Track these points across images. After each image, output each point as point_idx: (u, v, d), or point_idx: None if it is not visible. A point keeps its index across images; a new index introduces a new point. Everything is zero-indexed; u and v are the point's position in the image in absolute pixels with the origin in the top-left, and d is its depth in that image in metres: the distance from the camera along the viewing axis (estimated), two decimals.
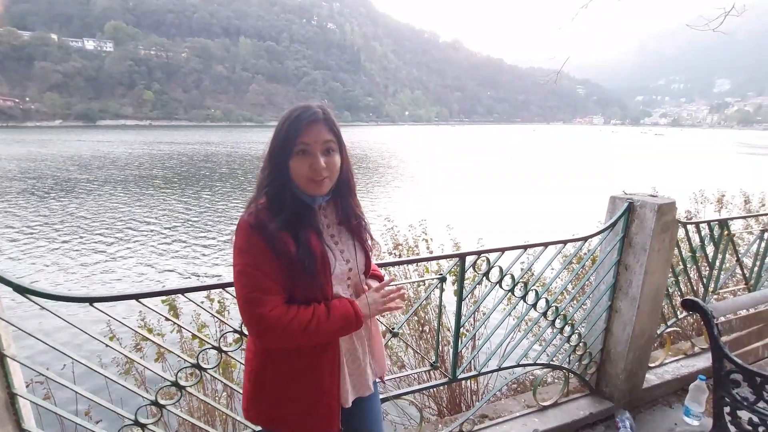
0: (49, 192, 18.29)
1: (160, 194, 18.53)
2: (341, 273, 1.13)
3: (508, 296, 1.95)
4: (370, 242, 1.24)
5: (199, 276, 9.04)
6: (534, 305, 1.98)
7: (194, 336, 1.63)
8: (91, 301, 1.27)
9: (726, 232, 2.60)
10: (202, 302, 2.34)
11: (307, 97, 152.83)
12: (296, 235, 1.05)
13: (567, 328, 2.14)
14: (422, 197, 17.64)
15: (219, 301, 2.45)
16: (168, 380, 1.43)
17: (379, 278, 1.32)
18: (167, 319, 1.46)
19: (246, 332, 1.47)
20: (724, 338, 2.01)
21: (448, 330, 2.54)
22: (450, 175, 26.23)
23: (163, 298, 2.20)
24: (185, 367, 1.44)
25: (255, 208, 1.05)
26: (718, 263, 2.67)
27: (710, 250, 2.64)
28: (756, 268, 2.91)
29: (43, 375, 1.33)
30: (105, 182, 21.36)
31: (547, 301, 2.01)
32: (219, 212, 15.21)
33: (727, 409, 1.88)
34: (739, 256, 2.79)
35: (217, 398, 2.29)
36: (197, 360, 1.43)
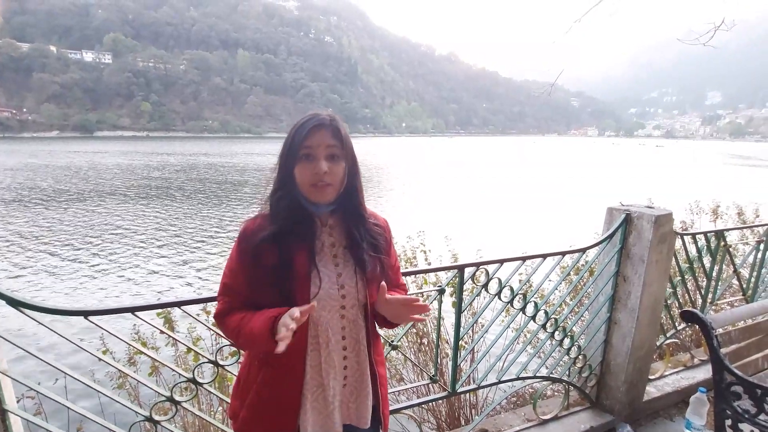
0: (30, 202, 18.12)
1: (153, 205, 18.45)
2: (330, 299, 1.06)
3: (507, 308, 1.93)
4: (373, 263, 1.10)
5: (197, 280, 8.92)
6: (533, 317, 1.97)
7: (189, 349, 1.60)
8: (85, 314, 1.25)
9: (722, 243, 2.61)
10: (198, 315, 2.33)
11: (305, 108, 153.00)
12: (283, 249, 1.03)
13: (566, 340, 2.13)
14: (419, 208, 17.65)
15: None
16: (163, 395, 1.40)
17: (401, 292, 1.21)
18: (161, 332, 1.43)
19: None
20: (723, 350, 2.01)
21: (447, 342, 2.52)
22: (448, 186, 26.32)
23: (159, 311, 2.17)
24: (180, 382, 1.42)
25: (259, 215, 1.09)
26: (715, 274, 2.68)
27: (707, 261, 2.65)
28: (753, 279, 2.91)
29: (35, 390, 1.30)
30: (94, 193, 21.24)
31: (546, 312, 2.00)
32: (210, 222, 15.07)
33: (728, 422, 1.87)
34: (736, 267, 2.80)
35: (213, 413, 2.25)
36: (193, 374, 1.41)
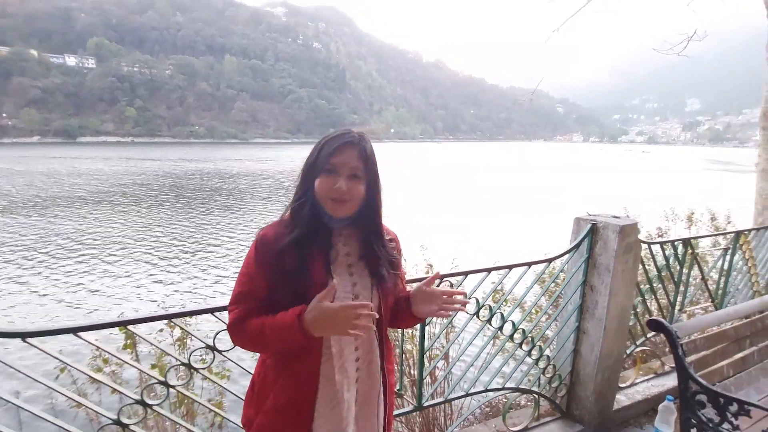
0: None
1: (124, 212, 18.04)
2: None
3: (475, 320, 1.92)
4: (391, 278, 1.13)
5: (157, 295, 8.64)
6: (500, 328, 1.96)
7: (139, 369, 1.55)
8: (23, 336, 1.19)
9: (690, 251, 2.65)
10: (161, 330, 2.26)
11: (293, 114, 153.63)
12: (300, 256, 1.04)
13: (535, 351, 2.12)
14: (402, 213, 17.50)
15: (182, 327, 2.33)
16: (110, 418, 1.34)
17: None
18: (109, 354, 1.38)
19: (194, 366, 1.41)
20: (690, 358, 2.02)
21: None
22: (435, 191, 26.37)
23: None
24: (128, 404, 1.36)
25: (276, 222, 1.11)
26: (683, 282, 2.71)
27: (678, 268, 2.68)
28: (721, 286, 2.96)
29: None
30: (61, 200, 20.72)
31: (513, 324, 1.99)
32: (172, 233, 14.72)
33: (693, 431, 1.88)
34: (704, 274, 2.84)
35: None
36: (141, 396, 1.36)
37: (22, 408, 1.23)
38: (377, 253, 1.12)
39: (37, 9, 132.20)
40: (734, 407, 1.74)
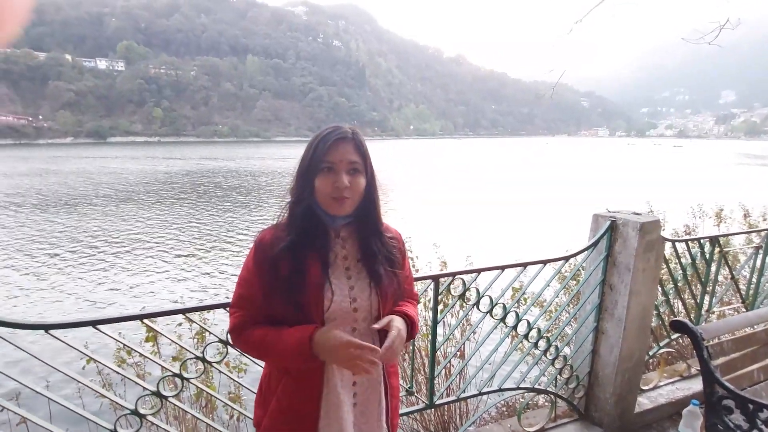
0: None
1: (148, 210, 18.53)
2: (342, 312, 1.06)
3: (487, 318, 1.89)
4: (389, 277, 1.10)
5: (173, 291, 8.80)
6: (515, 327, 1.92)
7: (154, 361, 1.59)
8: (46, 328, 1.25)
9: (718, 249, 2.53)
10: (180, 324, 2.32)
11: (313, 113, 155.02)
12: (297, 260, 1.03)
13: (551, 351, 2.07)
14: (419, 211, 17.33)
15: (193, 321, 2.38)
16: (128, 409, 1.39)
17: (404, 315, 1.14)
18: (126, 346, 1.42)
19: (207, 359, 1.45)
20: (717, 361, 1.94)
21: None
22: (457, 188, 26.07)
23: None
24: (145, 395, 1.40)
25: (274, 225, 1.10)
26: (711, 282, 2.60)
27: (705, 267, 2.56)
28: (753, 286, 2.82)
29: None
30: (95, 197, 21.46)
31: (528, 323, 1.95)
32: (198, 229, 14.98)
33: None
34: (734, 273, 2.71)
35: (185, 427, 2.23)
36: (157, 388, 1.40)
37: (50, 398, 1.29)
38: (375, 251, 1.10)
39: (71, 16, 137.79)
40: (765, 414, 1.66)
